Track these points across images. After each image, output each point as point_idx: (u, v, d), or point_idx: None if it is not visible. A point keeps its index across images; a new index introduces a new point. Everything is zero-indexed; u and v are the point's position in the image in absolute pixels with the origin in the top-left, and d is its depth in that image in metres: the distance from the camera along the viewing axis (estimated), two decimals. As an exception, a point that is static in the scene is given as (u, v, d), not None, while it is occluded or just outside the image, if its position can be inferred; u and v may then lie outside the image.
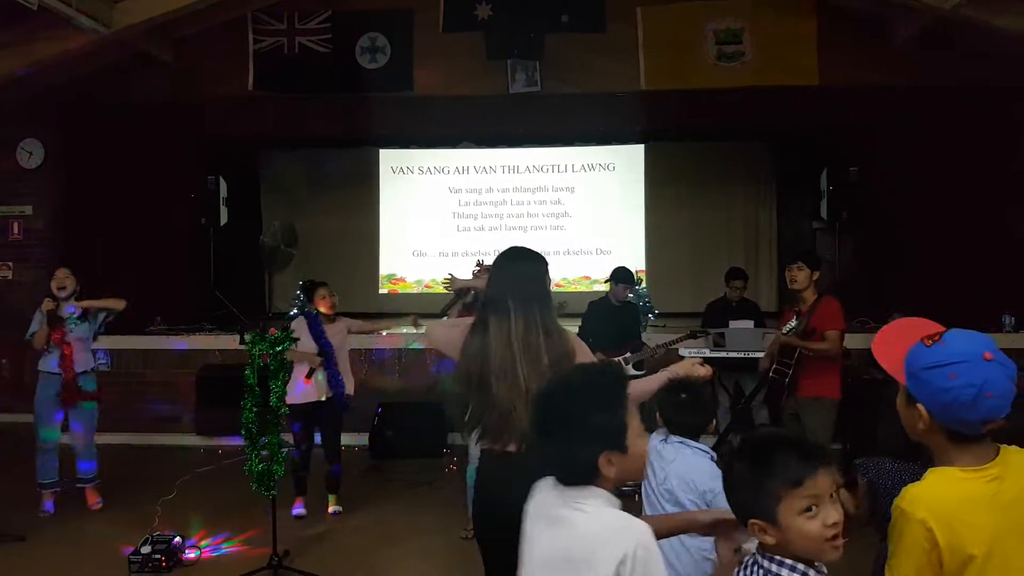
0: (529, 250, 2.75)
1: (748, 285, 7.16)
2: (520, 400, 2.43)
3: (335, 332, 5.36)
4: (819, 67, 7.13)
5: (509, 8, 6.98)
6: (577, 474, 1.58)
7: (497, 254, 2.77)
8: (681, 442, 2.70)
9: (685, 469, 2.65)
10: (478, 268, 5.03)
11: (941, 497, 1.48)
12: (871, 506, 2.44)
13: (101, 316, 5.43)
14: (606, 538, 1.49)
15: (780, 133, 9.57)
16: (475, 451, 3.57)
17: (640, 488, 2.82)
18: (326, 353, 5.23)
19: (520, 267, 2.68)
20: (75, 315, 5.29)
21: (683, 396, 2.73)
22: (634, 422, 1.60)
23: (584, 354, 2.61)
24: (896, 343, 1.60)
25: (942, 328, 1.58)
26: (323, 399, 5.23)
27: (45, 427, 5.27)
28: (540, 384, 2.43)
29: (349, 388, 5.37)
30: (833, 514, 1.43)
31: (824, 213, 8.31)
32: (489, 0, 6.97)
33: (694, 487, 2.62)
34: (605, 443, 1.55)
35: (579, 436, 1.55)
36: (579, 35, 7.18)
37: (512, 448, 2.46)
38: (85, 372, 5.34)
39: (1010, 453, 1.55)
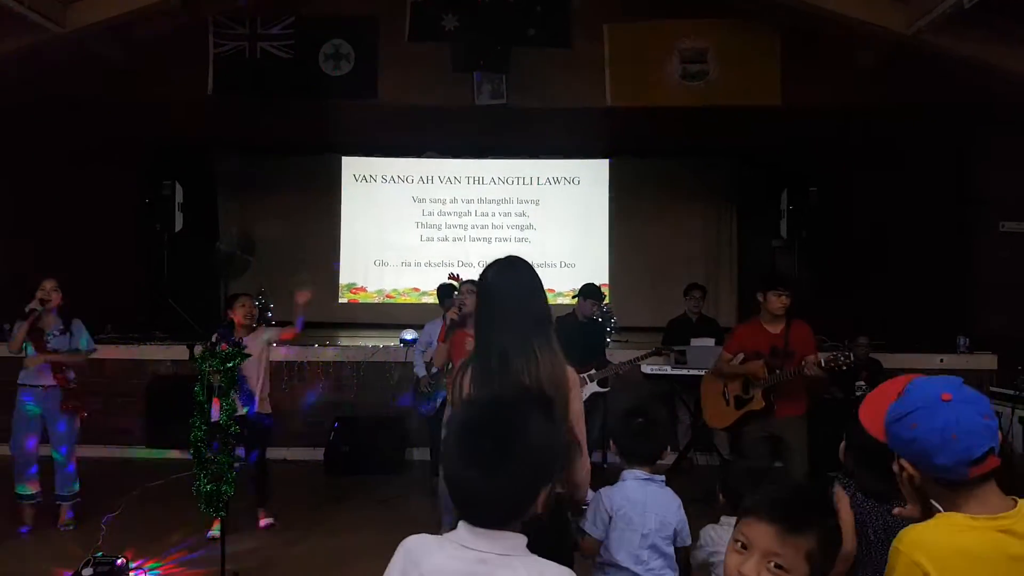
0: (511, 261, 2.41)
1: (708, 301, 7.24)
2: None
3: (249, 345, 5.06)
4: (782, 88, 7.23)
5: (476, 20, 6.96)
6: (510, 512, 1.38)
7: (487, 266, 2.41)
8: (648, 479, 2.61)
9: (661, 508, 2.58)
10: (456, 282, 4.92)
11: (942, 543, 1.43)
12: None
13: (82, 335, 5.26)
14: None
15: (743, 152, 9.69)
16: None
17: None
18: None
19: (505, 285, 2.33)
20: (58, 328, 5.15)
21: (638, 421, 2.66)
22: None
23: (575, 382, 2.38)
24: (879, 408, 1.55)
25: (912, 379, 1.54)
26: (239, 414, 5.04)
27: (27, 440, 5.08)
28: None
29: (263, 405, 5.16)
30: (750, 569, 1.40)
31: (784, 232, 8.40)
32: (456, 11, 6.93)
33: (669, 525, 2.56)
34: (549, 476, 1.39)
35: (532, 468, 1.36)
36: (546, 50, 7.19)
37: None
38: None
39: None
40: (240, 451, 5.26)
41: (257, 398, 5.15)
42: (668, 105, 7.42)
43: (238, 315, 5.17)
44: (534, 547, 1.43)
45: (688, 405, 6.76)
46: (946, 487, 1.47)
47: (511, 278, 2.36)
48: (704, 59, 7.37)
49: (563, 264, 10.05)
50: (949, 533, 1.44)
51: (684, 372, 6.37)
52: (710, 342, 6.58)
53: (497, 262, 2.42)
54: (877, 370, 6.60)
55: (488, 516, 1.39)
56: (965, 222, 7.87)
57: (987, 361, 7.04)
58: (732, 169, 10.23)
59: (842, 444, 2.59)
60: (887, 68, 7.16)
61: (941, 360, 6.99)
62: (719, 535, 2.57)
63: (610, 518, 2.57)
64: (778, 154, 9.08)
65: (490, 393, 1.54)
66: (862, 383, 6.47)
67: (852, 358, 4.48)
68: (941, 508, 1.50)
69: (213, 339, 4.92)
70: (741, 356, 4.78)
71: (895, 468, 1.54)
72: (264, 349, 5.26)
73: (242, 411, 5.01)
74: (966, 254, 7.88)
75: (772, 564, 1.39)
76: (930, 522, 1.49)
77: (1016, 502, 1.48)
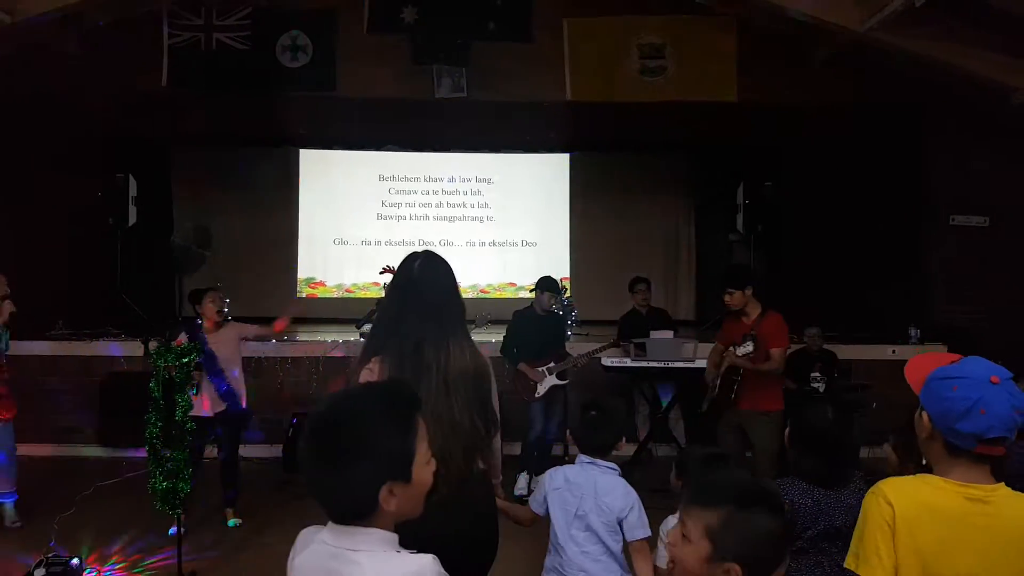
0: (435, 256, 2.47)
1: (668, 295, 7.31)
2: (457, 444, 2.22)
3: (221, 340, 5.11)
4: (738, 85, 7.37)
5: (436, 12, 6.94)
6: (351, 509, 1.39)
7: (409, 257, 2.46)
8: (591, 463, 2.66)
9: (600, 492, 2.61)
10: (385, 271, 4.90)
11: (912, 492, 1.61)
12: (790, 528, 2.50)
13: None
14: None
15: (700, 147, 9.80)
16: None
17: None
18: (209, 364, 4.99)
19: (430, 278, 2.39)
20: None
21: (592, 413, 2.71)
22: (422, 447, 1.43)
23: (490, 372, 2.46)
24: (927, 366, 1.70)
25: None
26: (213, 413, 5.03)
27: None
28: (468, 417, 2.25)
29: (242, 400, 5.19)
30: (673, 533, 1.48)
31: (740, 226, 8.54)
32: (416, 3, 6.90)
33: (609, 510, 2.59)
34: (388, 472, 1.36)
35: (361, 464, 1.34)
36: (506, 44, 7.20)
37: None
38: None
39: (1004, 490, 1.63)
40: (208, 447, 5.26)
41: (241, 393, 5.15)
42: (626, 100, 7.50)
43: (207, 310, 5.11)
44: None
45: (647, 397, 6.84)
46: (948, 450, 1.62)
47: (434, 271, 2.42)
48: (662, 55, 7.48)
49: (524, 259, 10.07)
50: (921, 486, 1.63)
51: (644, 364, 6.44)
52: (669, 334, 6.65)
53: (418, 255, 2.46)
54: (831, 362, 6.71)
55: (331, 511, 1.41)
56: (917, 216, 8.09)
57: (938, 351, 7.25)
58: (690, 164, 10.36)
59: (787, 430, 2.66)
60: (841, 65, 7.33)
61: (893, 351, 7.17)
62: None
63: (546, 498, 2.68)
64: (735, 149, 9.22)
65: (337, 392, 1.56)
66: (817, 374, 6.59)
67: (752, 347, 4.68)
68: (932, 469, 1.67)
69: (180, 335, 4.86)
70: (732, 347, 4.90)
71: (916, 417, 1.69)
72: (238, 344, 5.24)
73: (221, 407, 5.02)
74: (918, 247, 8.11)
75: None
76: (908, 476, 1.68)
77: (995, 482, 1.63)
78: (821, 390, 6.47)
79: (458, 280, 2.48)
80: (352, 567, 1.35)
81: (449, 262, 2.48)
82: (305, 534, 1.48)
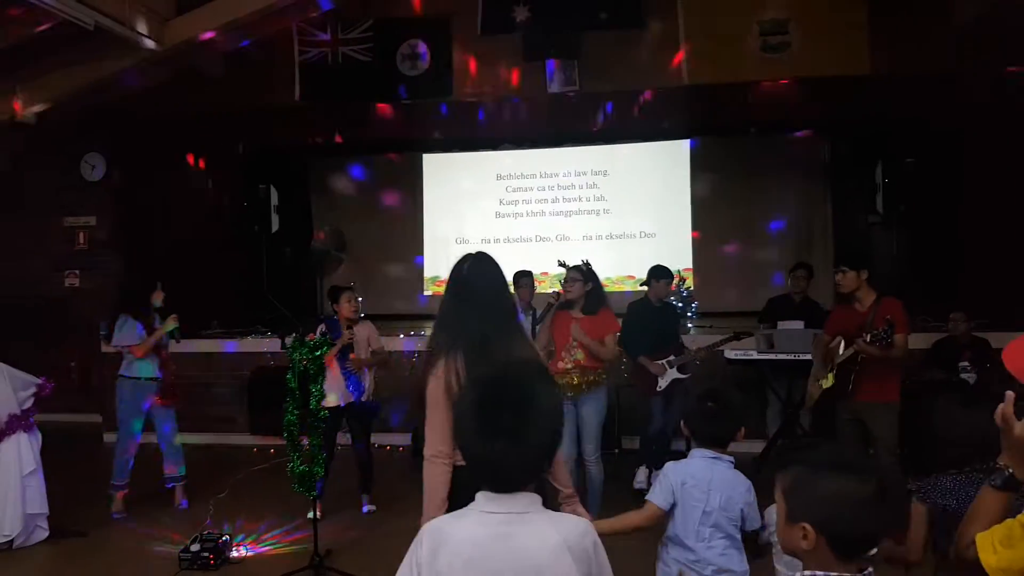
0: (484, 256, 2.61)
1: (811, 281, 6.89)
2: None
3: (356, 337, 5.41)
4: (870, 55, 6.90)
5: (547, 8, 6.98)
6: (531, 475, 1.52)
7: (461, 259, 2.60)
8: (715, 457, 2.59)
9: (722, 486, 2.55)
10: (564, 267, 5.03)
11: None
12: (930, 533, 2.35)
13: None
14: (572, 543, 1.46)
15: (832, 125, 9.25)
16: None
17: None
18: (344, 358, 5.33)
19: (480, 276, 2.54)
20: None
21: (710, 404, 2.63)
22: None
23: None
24: None
25: None
26: (344, 403, 5.33)
27: (132, 431, 5.53)
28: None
29: (368, 392, 5.47)
30: None
31: (880, 207, 8.00)
32: (527, 1, 6.98)
33: (734, 506, 2.53)
34: (561, 435, 1.54)
35: (550, 433, 1.49)
36: (617, 32, 7.12)
37: None
38: None
39: None
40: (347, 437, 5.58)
41: (366, 386, 5.44)
42: (749, 80, 7.22)
43: (344, 309, 5.41)
44: None
45: (778, 392, 6.47)
46: None
47: (486, 271, 2.56)
48: (785, 30, 7.12)
49: (643, 250, 9.87)
50: None
51: (771, 357, 6.14)
52: (799, 324, 6.30)
53: (468, 257, 2.60)
54: (983, 349, 6.18)
55: (513, 482, 1.49)
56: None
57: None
58: (822, 143, 9.78)
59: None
60: (986, 27, 6.69)
61: (1057, 339, 6.48)
62: None
63: (673, 492, 2.59)
64: (871, 125, 8.64)
65: (493, 369, 1.65)
66: (966, 363, 6.11)
67: (891, 333, 4.38)
68: None
69: (320, 329, 5.22)
70: (839, 339, 4.67)
71: None
72: (369, 342, 5.53)
73: (351, 398, 5.35)
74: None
75: None
76: None
77: None
78: (972, 381, 5.99)
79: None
80: (528, 527, 1.47)
81: (496, 261, 2.61)
82: (442, 519, 1.57)
